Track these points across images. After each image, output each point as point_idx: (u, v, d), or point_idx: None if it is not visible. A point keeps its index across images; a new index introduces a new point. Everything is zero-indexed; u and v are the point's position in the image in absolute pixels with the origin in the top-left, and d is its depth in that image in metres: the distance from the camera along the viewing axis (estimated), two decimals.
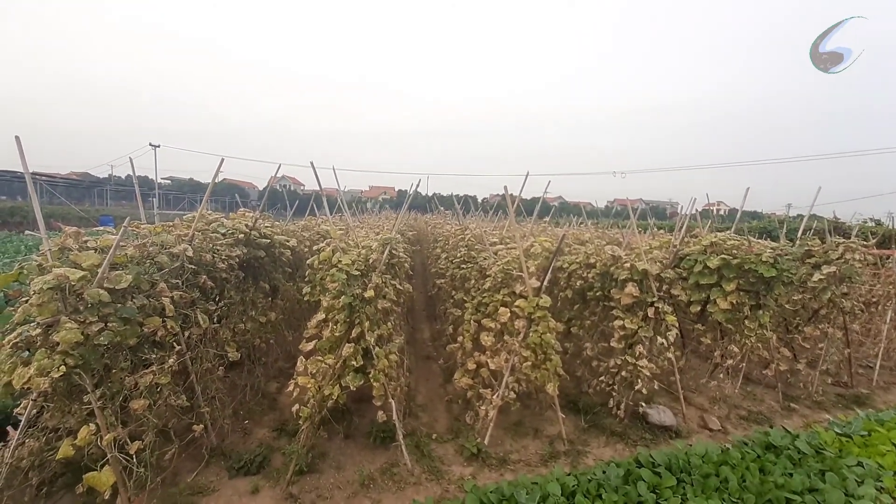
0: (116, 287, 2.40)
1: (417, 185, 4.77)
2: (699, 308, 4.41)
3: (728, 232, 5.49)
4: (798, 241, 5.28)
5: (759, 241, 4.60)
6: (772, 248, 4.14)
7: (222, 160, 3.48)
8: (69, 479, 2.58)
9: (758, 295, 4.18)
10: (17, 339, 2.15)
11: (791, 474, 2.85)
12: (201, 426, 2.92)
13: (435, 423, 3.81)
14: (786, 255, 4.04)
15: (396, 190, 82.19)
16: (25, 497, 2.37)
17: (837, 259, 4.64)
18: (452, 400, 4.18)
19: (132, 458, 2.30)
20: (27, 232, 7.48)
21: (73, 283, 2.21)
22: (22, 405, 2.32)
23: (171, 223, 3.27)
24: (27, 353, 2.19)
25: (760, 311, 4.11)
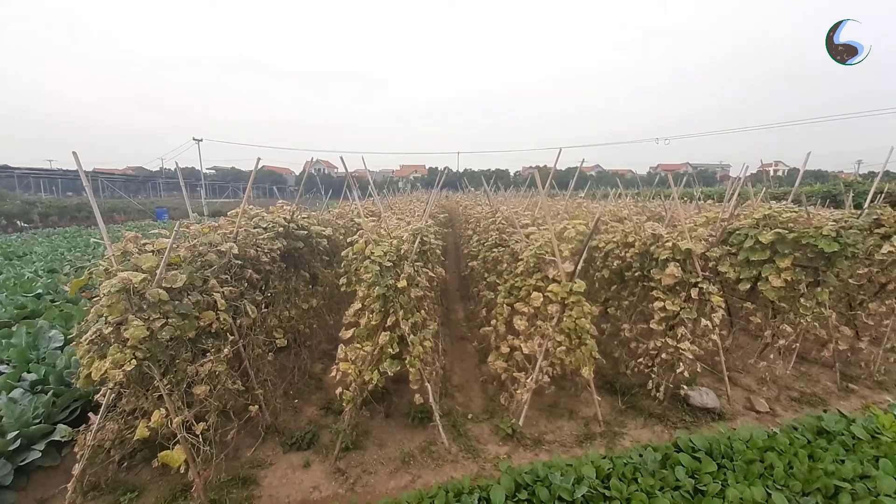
0: (173, 286, 2.61)
1: (444, 174, 4.72)
2: (749, 286, 4.17)
3: (784, 202, 5.08)
4: (866, 209, 4.79)
5: (820, 212, 4.22)
6: (834, 221, 3.80)
7: (259, 161, 3.62)
8: (146, 455, 2.92)
9: (816, 271, 3.89)
10: (93, 337, 2.42)
11: (843, 461, 2.71)
12: (256, 407, 3.19)
13: (470, 404, 3.93)
14: (850, 227, 3.70)
15: (427, 167, 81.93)
16: (108, 472, 2.71)
17: None
18: (487, 381, 4.27)
19: (199, 438, 2.56)
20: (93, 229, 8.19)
21: (135, 285, 2.43)
22: (101, 392, 2.63)
23: (216, 223, 3.46)
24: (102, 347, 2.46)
25: (819, 289, 3.83)
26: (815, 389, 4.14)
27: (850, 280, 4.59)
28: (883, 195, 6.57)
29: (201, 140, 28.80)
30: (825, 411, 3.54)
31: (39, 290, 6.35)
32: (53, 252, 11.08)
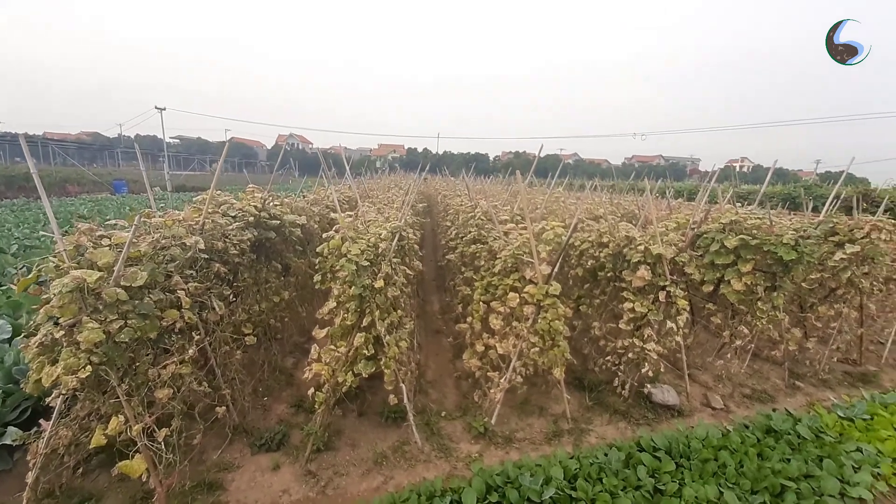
0: (133, 284, 2.45)
1: (427, 167, 4.62)
2: (712, 287, 4.36)
3: (751, 207, 5.30)
4: (823, 215, 5.06)
5: (782, 219, 4.43)
6: (794, 230, 4.00)
7: (229, 134, 3.40)
8: (103, 460, 2.80)
9: (774, 276, 4.10)
10: (43, 340, 2.25)
11: (789, 460, 2.93)
12: (223, 408, 3.10)
13: (444, 400, 3.97)
14: (808, 237, 3.90)
15: (406, 148, 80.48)
16: (63, 478, 2.58)
17: (862, 238, 4.47)
18: (461, 377, 4.32)
19: (161, 444, 2.46)
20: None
21: (90, 284, 2.26)
22: (53, 395, 2.47)
23: (179, 215, 3.26)
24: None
25: (775, 293, 4.05)
26: (766, 387, 4.43)
27: (803, 284, 4.89)
28: (839, 200, 6.95)
29: (164, 109, 26.95)
30: (774, 410, 3.80)
31: None
32: None
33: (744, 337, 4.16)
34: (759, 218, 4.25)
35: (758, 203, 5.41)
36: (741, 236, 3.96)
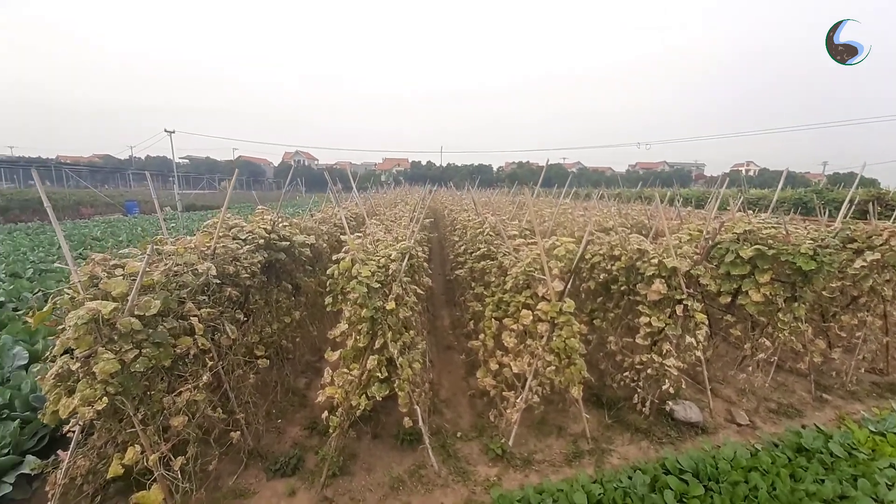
0: (146, 313, 2.45)
1: (431, 193, 4.61)
2: (729, 298, 4.26)
3: (764, 216, 5.22)
4: (839, 221, 4.96)
5: (797, 228, 4.35)
6: (812, 239, 3.91)
7: (236, 171, 3.43)
8: (121, 487, 2.77)
9: (794, 286, 4.00)
10: (60, 371, 2.25)
11: (823, 480, 2.81)
12: (238, 433, 3.06)
13: (459, 420, 3.90)
14: (827, 246, 3.81)
15: (410, 161, 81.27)
16: None
17: (881, 245, 4.36)
18: (475, 395, 4.25)
19: (177, 473, 2.43)
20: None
21: (105, 315, 2.26)
22: (70, 424, 2.46)
23: (190, 241, 3.28)
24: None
25: (796, 304, 3.95)
26: (792, 400, 4.29)
27: (824, 293, 4.76)
28: (853, 205, 6.83)
29: (173, 132, 27.63)
30: (804, 426, 3.66)
31: (1, 298, 5.95)
32: (15, 252, 10.41)
33: (766, 349, 4.05)
34: (773, 227, 4.17)
35: (771, 210, 5.31)
36: (757, 246, 3.88)
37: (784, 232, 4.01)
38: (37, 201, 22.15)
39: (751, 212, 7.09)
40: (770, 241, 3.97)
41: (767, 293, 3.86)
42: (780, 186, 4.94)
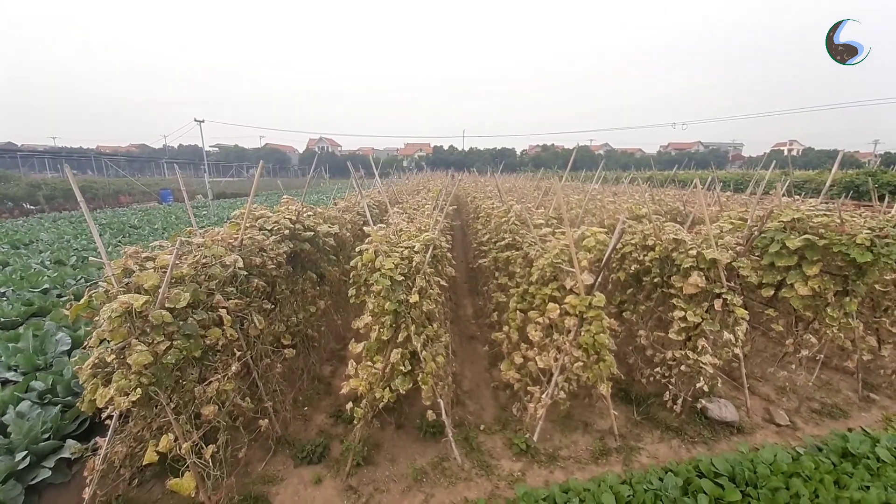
0: (177, 306, 2.50)
1: (454, 180, 4.49)
2: (772, 291, 4.00)
3: (813, 202, 4.84)
4: None
5: (853, 216, 3.99)
6: (869, 229, 3.59)
7: (261, 163, 3.43)
8: (157, 471, 2.89)
9: (845, 279, 3.71)
10: (96, 362, 2.33)
11: (868, 487, 2.62)
12: (266, 421, 3.14)
13: (482, 412, 3.87)
14: (886, 236, 3.49)
15: (432, 146, 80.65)
16: (120, 489, 2.68)
17: None
18: (499, 387, 4.20)
19: (208, 462, 2.51)
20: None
21: (137, 308, 2.31)
22: (109, 410, 2.56)
23: (218, 233, 3.32)
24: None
25: (847, 298, 3.66)
26: (836, 400, 4.03)
27: (876, 286, 4.40)
28: None
29: (203, 121, 28.29)
30: (850, 429, 3.43)
31: (46, 285, 6.31)
32: (59, 240, 11.03)
33: (811, 347, 3.79)
34: (825, 214, 3.84)
35: (823, 195, 4.91)
36: (806, 236, 3.60)
37: (838, 221, 3.69)
38: (80, 189, 23.28)
39: (797, 197, 6.62)
40: (821, 231, 3.67)
41: (816, 287, 3.59)
42: (834, 168, 4.53)
